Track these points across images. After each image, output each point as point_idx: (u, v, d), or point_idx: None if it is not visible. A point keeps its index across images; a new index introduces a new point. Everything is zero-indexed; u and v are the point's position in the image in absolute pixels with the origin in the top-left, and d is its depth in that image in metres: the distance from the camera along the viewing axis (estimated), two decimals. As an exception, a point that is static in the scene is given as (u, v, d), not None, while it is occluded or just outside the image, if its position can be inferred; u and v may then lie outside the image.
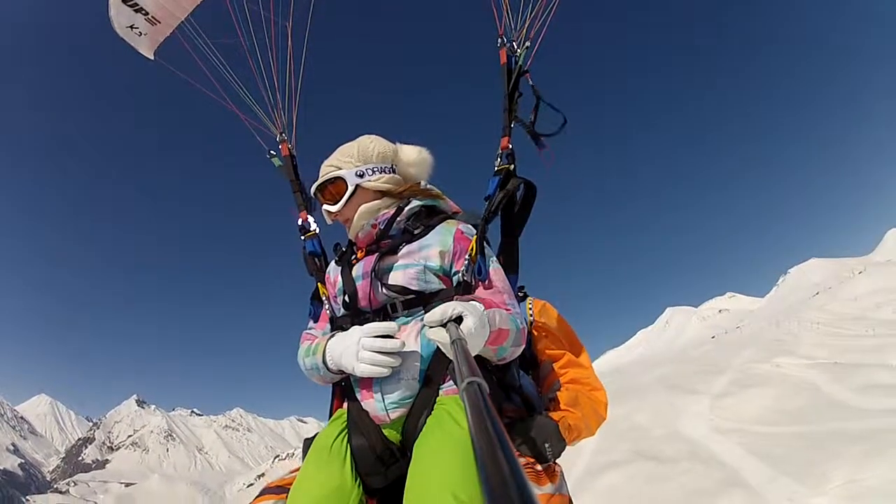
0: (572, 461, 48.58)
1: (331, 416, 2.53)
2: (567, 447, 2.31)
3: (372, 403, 2.22)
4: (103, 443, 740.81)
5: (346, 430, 2.23)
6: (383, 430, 2.20)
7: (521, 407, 2.42)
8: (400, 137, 2.81)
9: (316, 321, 2.73)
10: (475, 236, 2.44)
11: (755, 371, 62.48)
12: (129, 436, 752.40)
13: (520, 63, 2.87)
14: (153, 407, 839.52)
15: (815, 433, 39.16)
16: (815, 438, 38.02)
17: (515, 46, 2.91)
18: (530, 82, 2.85)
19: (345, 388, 2.43)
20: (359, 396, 2.28)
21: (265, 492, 2.14)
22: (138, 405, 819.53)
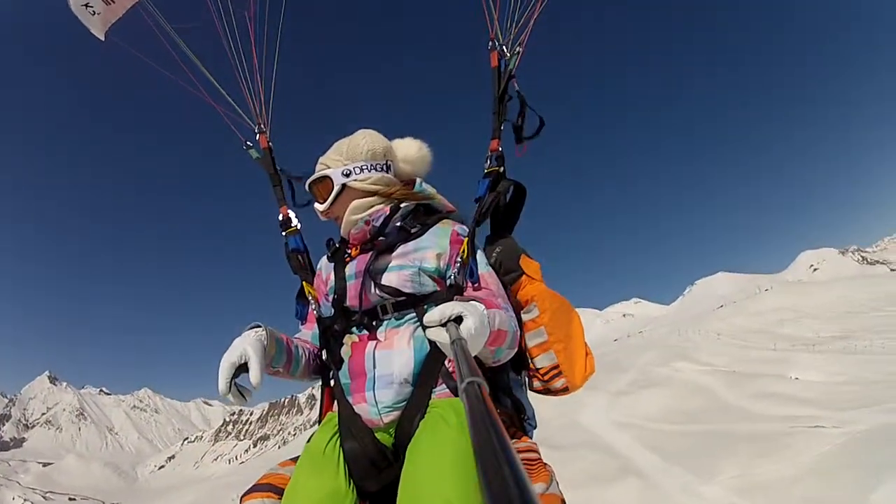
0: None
1: (321, 419, 2.48)
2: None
3: (365, 407, 2.16)
4: (19, 420, 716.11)
5: (337, 434, 2.18)
6: (375, 434, 2.14)
7: (510, 409, 2.40)
8: (393, 132, 2.73)
9: (304, 322, 2.70)
10: (465, 238, 2.39)
11: (654, 373, 65.09)
12: (43, 413, 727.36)
13: (510, 66, 2.86)
14: (65, 384, 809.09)
15: (709, 432, 41.60)
16: (709, 436, 40.26)
17: (506, 50, 2.88)
18: (517, 87, 2.84)
19: (334, 390, 2.37)
20: (350, 400, 2.22)
21: (255, 489, 2.06)
22: (51, 382, 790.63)
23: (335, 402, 2.37)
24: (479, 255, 2.43)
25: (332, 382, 2.42)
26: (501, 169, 2.69)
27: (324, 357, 2.50)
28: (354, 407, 2.19)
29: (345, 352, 2.31)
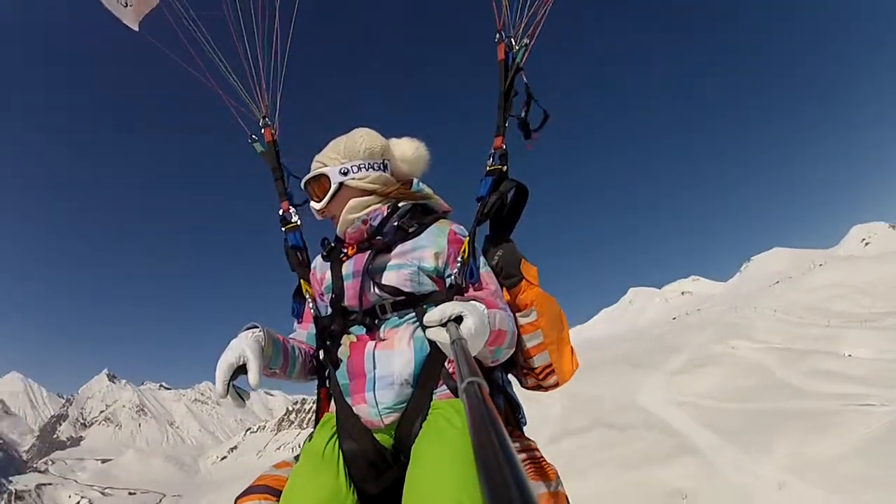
0: (537, 429, 50.30)
1: (318, 420, 2.44)
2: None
3: (365, 408, 2.15)
4: (76, 419, 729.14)
5: (336, 436, 2.17)
6: (375, 435, 2.14)
7: (504, 408, 2.41)
8: (392, 129, 2.76)
9: (300, 320, 2.68)
10: (467, 238, 2.41)
11: (710, 351, 64.24)
12: (102, 411, 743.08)
13: (517, 60, 2.81)
14: (124, 381, 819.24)
15: (763, 410, 41.87)
16: (763, 414, 40.59)
17: (514, 42, 2.84)
18: (525, 80, 2.80)
19: (331, 390, 2.35)
20: (349, 401, 2.21)
21: (252, 490, 2.08)
22: (109, 380, 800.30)
23: (332, 403, 2.36)
24: (480, 256, 2.46)
25: (328, 383, 2.41)
26: (505, 168, 2.66)
27: (320, 357, 2.47)
28: (354, 408, 2.18)
29: (343, 352, 2.31)
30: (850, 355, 46.56)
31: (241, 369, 2.01)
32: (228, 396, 1.99)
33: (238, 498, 2.06)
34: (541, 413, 51.03)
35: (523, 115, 2.80)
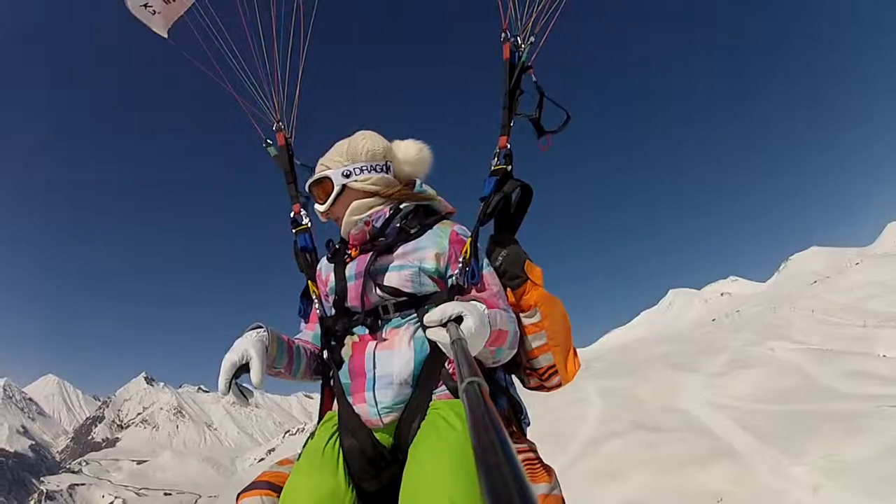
0: (577, 429, 51.69)
1: (321, 418, 2.44)
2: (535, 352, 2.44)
3: (364, 407, 2.16)
4: (113, 421, 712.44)
5: (337, 433, 2.18)
6: (375, 434, 2.15)
7: (506, 409, 2.40)
8: (397, 129, 2.80)
9: (307, 321, 2.69)
10: (469, 238, 2.40)
11: (749, 353, 65.24)
12: (139, 413, 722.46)
13: (523, 59, 2.78)
14: (162, 384, 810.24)
15: (800, 412, 43.10)
16: (799, 416, 41.91)
17: (520, 41, 2.81)
18: (534, 78, 2.78)
19: (334, 389, 2.37)
20: (350, 400, 2.22)
21: (253, 486, 2.10)
22: (147, 383, 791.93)
23: (335, 402, 2.36)
24: (482, 256, 2.42)
25: (331, 382, 2.39)
26: (509, 167, 2.64)
27: (325, 357, 2.45)
28: (354, 407, 2.18)
29: (345, 352, 2.30)
30: (885, 356, 46.73)
31: (244, 368, 2.02)
32: (231, 394, 2.01)
33: (240, 494, 2.09)
34: (580, 413, 51.24)
35: (537, 115, 2.81)
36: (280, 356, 2.26)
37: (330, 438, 2.14)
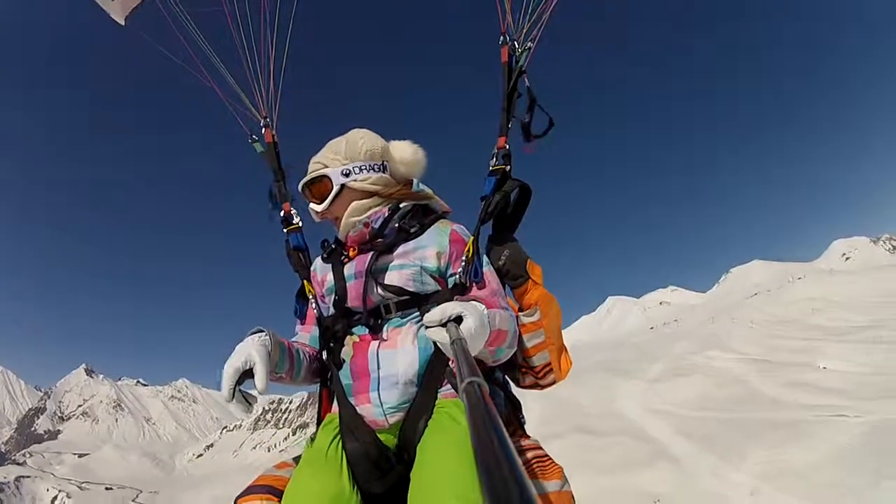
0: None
1: (320, 420, 2.42)
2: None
3: (369, 408, 2.15)
4: (55, 413, 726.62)
5: (339, 436, 2.15)
6: (378, 435, 2.12)
7: (506, 407, 2.42)
8: (393, 128, 2.88)
9: (303, 321, 2.66)
10: (471, 237, 2.42)
11: (688, 361, 65.35)
12: (79, 405, 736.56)
13: (520, 63, 2.82)
14: (101, 376, 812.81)
15: (740, 419, 42.74)
16: (739, 424, 41.43)
17: (517, 45, 2.84)
18: (527, 83, 2.82)
19: (333, 391, 2.35)
20: (353, 401, 2.20)
21: (253, 490, 2.02)
22: (87, 374, 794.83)
23: (334, 404, 2.35)
24: (483, 255, 2.45)
25: (330, 384, 2.39)
26: (508, 167, 2.66)
27: (323, 358, 2.46)
28: (358, 408, 2.17)
29: (346, 352, 2.29)
30: (825, 368, 47.37)
31: (246, 374, 1.99)
32: (234, 401, 1.98)
33: (238, 497, 2.02)
34: (519, 416, 51.61)
35: (527, 119, 2.81)
36: (282, 361, 2.22)
37: (332, 441, 2.12)
